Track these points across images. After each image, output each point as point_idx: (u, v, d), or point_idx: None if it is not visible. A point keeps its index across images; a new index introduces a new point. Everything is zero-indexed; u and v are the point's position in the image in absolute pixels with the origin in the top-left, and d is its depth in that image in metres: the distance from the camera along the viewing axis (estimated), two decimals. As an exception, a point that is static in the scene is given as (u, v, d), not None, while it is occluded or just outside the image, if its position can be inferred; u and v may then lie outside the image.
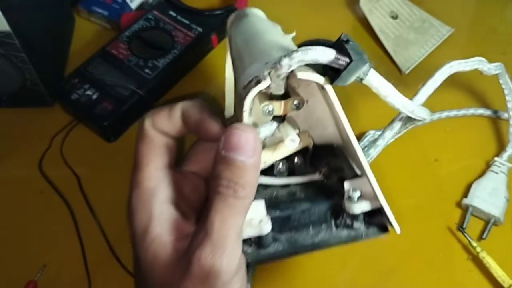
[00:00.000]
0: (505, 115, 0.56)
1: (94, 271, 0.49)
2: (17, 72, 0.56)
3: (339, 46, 0.29)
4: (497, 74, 0.49)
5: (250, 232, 0.31)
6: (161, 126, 0.32)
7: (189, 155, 0.34)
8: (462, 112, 0.57)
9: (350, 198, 0.33)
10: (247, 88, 0.29)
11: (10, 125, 0.59)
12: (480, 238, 0.50)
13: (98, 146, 0.57)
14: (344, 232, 0.34)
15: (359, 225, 0.34)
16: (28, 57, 0.54)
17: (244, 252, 0.31)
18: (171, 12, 0.64)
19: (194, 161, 0.34)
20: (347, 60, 0.28)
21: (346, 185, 0.33)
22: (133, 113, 0.57)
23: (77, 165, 0.55)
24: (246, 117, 0.30)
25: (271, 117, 0.32)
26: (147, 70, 0.58)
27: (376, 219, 0.34)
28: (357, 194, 0.33)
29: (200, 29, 0.62)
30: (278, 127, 0.32)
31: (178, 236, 0.30)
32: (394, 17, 0.67)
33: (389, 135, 0.42)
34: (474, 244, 0.48)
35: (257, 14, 0.46)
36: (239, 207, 0.28)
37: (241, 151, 0.28)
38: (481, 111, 0.58)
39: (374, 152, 0.45)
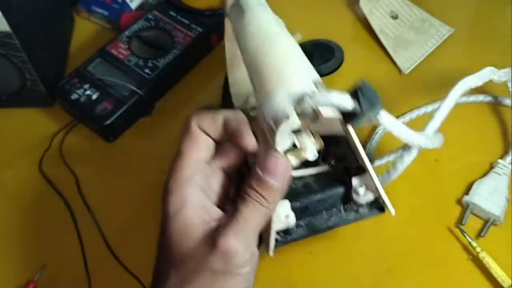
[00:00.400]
0: (507, 102, 0.56)
1: (93, 271, 0.49)
2: (17, 72, 0.56)
3: (355, 93, 0.34)
4: (505, 80, 0.49)
5: (279, 226, 0.39)
6: (204, 127, 0.37)
7: (219, 152, 0.38)
8: (472, 98, 0.57)
9: (356, 192, 0.40)
10: (278, 124, 0.35)
11: (10, 125, 0.59)
12: (478, 235, 0.50)
13: (98, 146, 0.57)
14: (352, 215, 0.42)
15: (363, 209, 0.41)
16: (28, 57, 0.54)
17: (275, 240, 0.39)
18: (171, 12, 0.64)
19: (223, 158, 0.38)
20: (359, 108, 0.33)
21: (354, 181, 0.40)
22: (133, 113, 0.57)
23: (77, 165, 0.55)
24: (279, 147, 0.36)
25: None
26: (147, 70, 0.58)
27: (376, 203, 0.41)
28: (362, 189, 0.40)
29: (200, 29, 0.62)
30: (296, 137, 0.37)
31: (207, 220, 0.35)
32: (394, 17, 0.67)
33: (408, 160, 0.43)
34: (474, 244, 0.48)
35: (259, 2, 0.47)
36: (263, 212, 0.35)
37: (274, 175, 0.34)
38: (489, 98, 0.58)
39: (394, 174, 0.45)
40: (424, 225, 0.51)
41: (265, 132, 0.37)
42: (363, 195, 0.40)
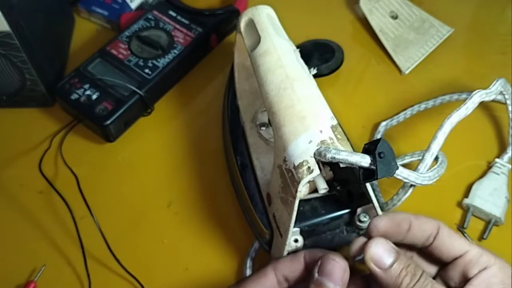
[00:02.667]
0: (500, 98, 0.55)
1: (94, 272, 0.48)
2: (17, 72, 0.56)
3: (373, 156, 0.35)
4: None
5: (290, 248, 0.43)
6: (283, 270, 0.38)
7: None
8: (463, 96, 0.57)
9: (360, 219, 0.44)
10: (300, 174, 0.38)
11: (10, 125, 0.59)
12: (481, 238, 0.50)
13: (98, 146, 0.57)
14: (353, 236, 0.45)
15: (363, 231, 0.45)
16: (28, 57, 0.54)
17: None
18: (171, 12, 0.64)
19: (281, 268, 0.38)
20: (374, 169, 0.35)
21: (358, 210, 0.44)
22: (133, 113, 0.57)
23: (77, 165, 0.55)
24: (302, 191, 0.38)
25: None
26: (147, 70, 0.58)
27: None
28: (366, 218, 0.44)
29: (200, 29, 0.62)
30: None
31: None
32: (394, 17, 0.67)
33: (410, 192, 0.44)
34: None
35: (271, 21, 0.49)
36: None
37: (331, 277, 0.34)
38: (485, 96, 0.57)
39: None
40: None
41: (283, 170, 0.40)
42: (365, 221, 0.44)
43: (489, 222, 0.50)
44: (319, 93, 0.44)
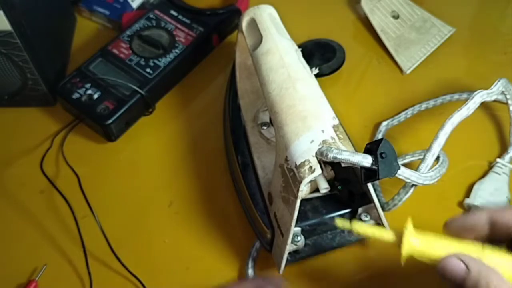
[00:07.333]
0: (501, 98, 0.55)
1: (95, 271, 0.49)
2: (19, 72, 0.56)
3: (375, 156, 0.36)
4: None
5: (290, 248, 0.43)
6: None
7: None
8: (464, 96, 0.57)
9: (361, 219, 0.45)
10: (302, 173, 0.38)
11: (11, 124, 0.59)
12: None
13: (99, 145, 0.57)
14: (354, 236, 0.47)
15: None
16: (29, 56, 0.54)
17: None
18: (172, 12, 0.64)
19: None
20: (376, 169, 0.36)
21: (359, 210, 0.45)
22: (134, 112, 0.57)
23: (78, 164, 0.55)
24: (304, 190, 0.38)
25: None
26: (148, 70, 0.58)
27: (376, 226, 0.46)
28: (367, 218, 0.45)
29: (201, 29, 0.62)
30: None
31: None
32: (396, 16, 0.67)
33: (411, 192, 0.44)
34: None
35: (273, 21, 0.50)
36: None
37: None
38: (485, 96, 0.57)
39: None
40: (426, 225, 0.51)
41: (284, 170, 0.40)
42: (366, 221, 0.45)
43: (490, 222, 0.50)
44: (321, 92, 0.44)
